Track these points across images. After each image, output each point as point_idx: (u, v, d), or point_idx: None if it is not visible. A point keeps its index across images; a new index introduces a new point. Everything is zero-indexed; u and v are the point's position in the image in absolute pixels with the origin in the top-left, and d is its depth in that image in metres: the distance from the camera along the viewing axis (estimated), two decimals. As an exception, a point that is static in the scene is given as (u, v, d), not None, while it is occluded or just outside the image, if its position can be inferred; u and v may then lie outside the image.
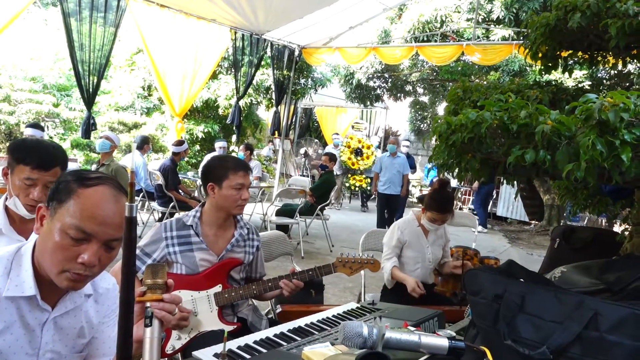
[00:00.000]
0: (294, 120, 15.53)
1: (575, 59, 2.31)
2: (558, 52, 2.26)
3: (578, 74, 8.10)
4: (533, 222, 10.73)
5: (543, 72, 2.36)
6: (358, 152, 12.33)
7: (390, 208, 8.27)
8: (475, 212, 10.13)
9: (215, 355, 1.46)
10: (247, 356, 1.49)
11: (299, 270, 2.34)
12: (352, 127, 15.31)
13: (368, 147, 12.45)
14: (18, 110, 9.66)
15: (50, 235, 1.20)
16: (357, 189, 12.27)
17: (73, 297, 1.33)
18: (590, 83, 6.97)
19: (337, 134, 13.21)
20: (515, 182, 2.17)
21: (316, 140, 16.62)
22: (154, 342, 1.11)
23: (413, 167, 9.87)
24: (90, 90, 6.02)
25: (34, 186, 1.78)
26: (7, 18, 5.13)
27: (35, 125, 5.48)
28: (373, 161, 11.53)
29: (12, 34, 10.01)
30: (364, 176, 12.12)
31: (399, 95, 12.58)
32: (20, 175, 1.76)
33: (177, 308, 1.21)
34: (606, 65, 2.33)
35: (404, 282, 3.06)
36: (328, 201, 7.17)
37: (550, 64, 2.30)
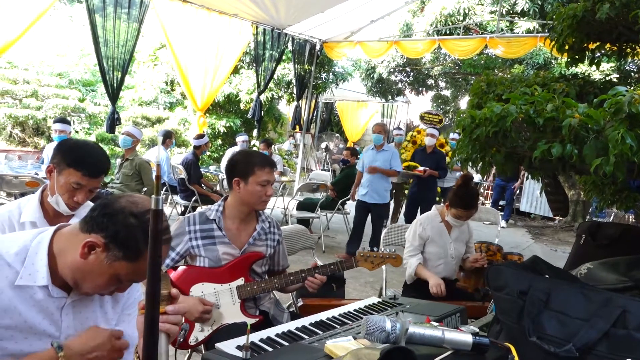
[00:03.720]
0: (315, 115, 15.53)
1: (603, 51, 2.26)
2: (585, 44, 2.22)
3: (605, 66, 7.91)
4: (557, 217, 10.55)
5: (569, 65, 2.31)
6: (426, 150, 9.40)
7: (373, 222, 6.20)
8: (500, 208, 10.01)
9: (238, 347, 1.46)
10: (270, 349, 1.50)
11: (320, 265, 2.35)
12: (422, 118, 11.60)
13: (442, 145, 8.71)
14: (45, 105, 9.89)
15: (102, 272, 1.26)
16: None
17: None
18: (617, 76, 6.81)
19: (400, 128, 10.08)
20: (540, 177, 2.14)
21: (337, 134, 16.62)
22: (161, 357, 1.11)
23: (443, 169, 7.08)
24: (115, 85, 6.13)
25: (80, 190, 1.86)
26: (34, 15, 5.24)
27: (63, 120, 5.57)
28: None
29: (38, 30, 10.21)
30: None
31: (420, 89, 12.46)
32: (70, 179, 1.84)
33: (182, 318, 1.24)
34: (635, 58, 2.28)
35: (428, 280, 3.04)
36: (349, 196, 7.13)
37: (577, 57, 2.26)
